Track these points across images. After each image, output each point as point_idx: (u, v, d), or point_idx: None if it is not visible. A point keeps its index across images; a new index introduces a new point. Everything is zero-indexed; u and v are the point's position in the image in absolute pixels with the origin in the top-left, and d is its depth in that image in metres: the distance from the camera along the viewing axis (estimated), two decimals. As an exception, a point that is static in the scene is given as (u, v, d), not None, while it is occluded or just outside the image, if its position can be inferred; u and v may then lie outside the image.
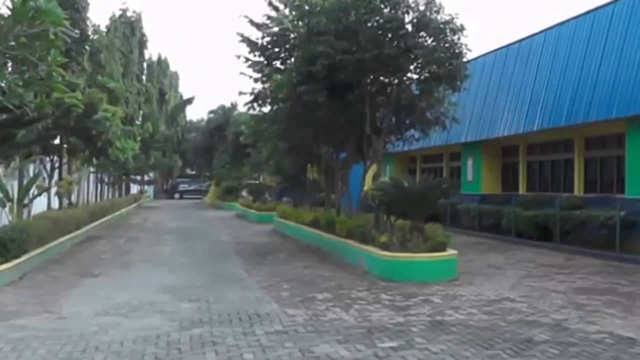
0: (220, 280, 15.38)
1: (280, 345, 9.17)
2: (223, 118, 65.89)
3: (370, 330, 10.12)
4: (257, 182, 53.71)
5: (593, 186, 24.75)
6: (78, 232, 24.61)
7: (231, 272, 17.04)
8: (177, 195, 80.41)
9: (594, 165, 24.92)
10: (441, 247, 16.09)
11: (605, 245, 20.15)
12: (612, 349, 9.14)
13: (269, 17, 23.26)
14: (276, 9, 23.52)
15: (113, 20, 57.64)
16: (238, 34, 23.32)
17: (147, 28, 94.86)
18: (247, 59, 23.54)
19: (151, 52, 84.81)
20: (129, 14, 61.78)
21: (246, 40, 23.30)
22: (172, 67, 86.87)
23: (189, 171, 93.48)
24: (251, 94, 24.34)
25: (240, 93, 24.28)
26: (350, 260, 18.29)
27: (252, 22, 23.54)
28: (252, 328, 10.23)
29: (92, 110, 24.41)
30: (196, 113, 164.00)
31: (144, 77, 68.86)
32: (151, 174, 77.41)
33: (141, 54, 65.20)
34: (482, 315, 11.33)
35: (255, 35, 23.78)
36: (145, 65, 69.93)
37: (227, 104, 68.75)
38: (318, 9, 20.17)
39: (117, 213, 39.84)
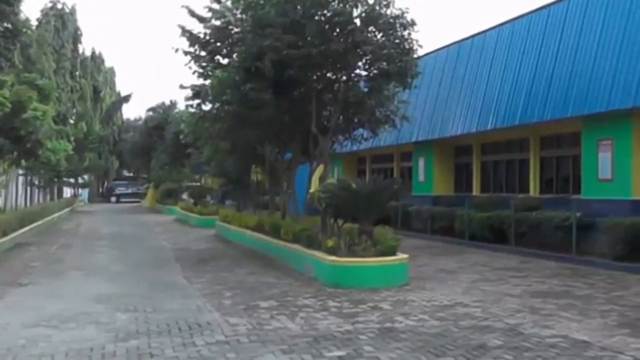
0: (159, 289, 15.26)
1: (222, 356, 9.13)
2: (162, 116, 65.23)
3: (316, 339, 10.11)
4: (198, 184, 53.48)
5: (549, 187, 25.10)
6: (5, 238, 24.18)
7: (171, 279, 16.92)
8: (113, 199, 79.74)
9: (550, 165, 25.27)
10: (391, 251, 16.13)
11: (561, 247, 20.46)
12: (567, 352, 9.30)
13: (210, 9, 23.07)
14: (218, 1, 23.37)
15: (44, 12, 56.83)
16: (179, 26, 23.12)
17: (82, 21, 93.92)
18: (187, 53, 23.28)
19: (86, 46, 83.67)
20: (59, 5, 60.95)
21: (187, 33, 23.09)
22: (109, 63, 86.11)
23: (126, 173, 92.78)
24: (192, 90, 24.19)
25: (182, 87, 23.97)
26: (296, 266, 18.27)
27: (193, 13, 23.35)
28: (192, 338, 10.17)
29: (20, 108, 24.06)
30: (134, 111, 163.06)
31: (77, 74, 67.99)
32: (85, 177, 76.46)
33: (75, 49, 64.44)
34: (434, 321, 11.41)
35: (197, 28, 23.60)
36: (79, 60, 69.04)
37: (167, 102, 68.27)
38: (262, 1, 20.10)
39: (49, 218, 39.24)
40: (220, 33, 22.68)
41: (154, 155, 64.94)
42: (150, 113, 71.02)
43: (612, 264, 18.19)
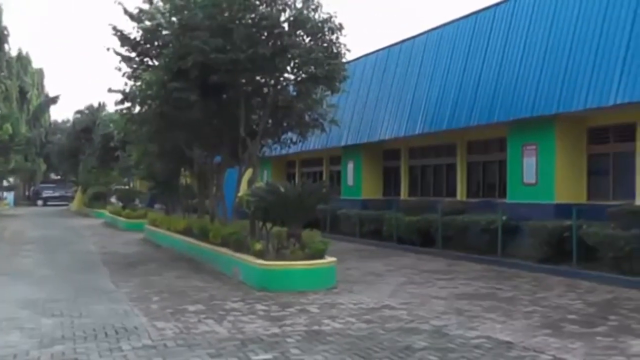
0: (86, 293, 15.01)
1: (149, 361, 9.06)
2: (90, 119, 64.26)
3: (244, 342, 10.07)
4: (126, 187, 52.85)
5: (475, 191, 25.46)
6: None
7: (98, 284, 16.65)
8: (40, 202, 78.27)
9: (477, 170, 25.64)
10: (319, 255, 16.16)
11: (487, 250, 20.74)
12: (490, 353, 9.43)
13: (141, 10, 22.77)
14: (150, 1, 23.10)
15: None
16: (111, 25, 22.74)
17: (9, 22, 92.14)
18: (118, 53, 22.93)
19: (13, 47, 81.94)
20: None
21: (119, 33, 22.71)
22: (38, 64, 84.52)
23: (53, 176, 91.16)
24: (122, 92, 23.86)
25: (110, 90, 23.52)
26: (225, 269, 18.19)
27: (126, 11, 22.96)
28: (119, 343, 10.03)
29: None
30: (62, 113, 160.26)
31: (2, 74, 66.56)
32: (11, 180, 75.03)
33: (1, 49, 63.12)
34: (361, 324, 11.46)
35: (128, 29, 23.23)
36: (4, 61, 67.62)
37: (95, 104, 67.28)
38: (192, 4, 19.96)
39: (-29, 222, 38.36)
40: (150, 35, 22.43)
41: (82, 158, 63.88)
42: (78, 115, 69.90)
43: (536, 266, 18.50)
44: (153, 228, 30.71)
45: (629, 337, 10.46)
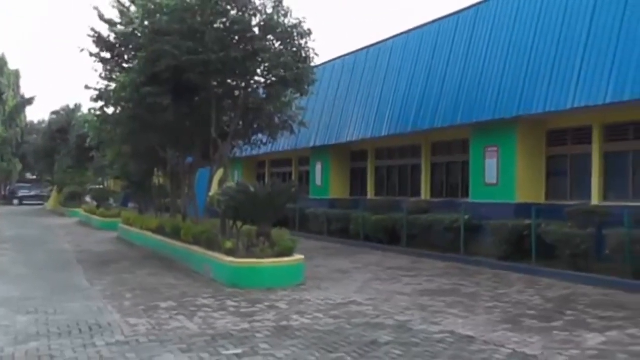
0: (61, 291, 14.84)
1: (122, 357, 8.94)
2: (66, 120, 63.72)
3: (214, 337, 10.03)
4: (101, 187, 52.46)
5: (439, 191, 25.57)
6: None
7: (73, 282, 16.47)
8: (16, 201, 77.33)
9: (440, 170, 25.76)
10: (288, 252, 16.16)
11: (451, 248, 20.84)
12: (453, 347, 9.47)
13: (118, 15, 22.56)
14: (125, 7, 22.91)
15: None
16: (90, 28, 22.48)
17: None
18: (92, 54, 22.69)
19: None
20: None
21: (96, 35, 22.48)
22: (13, 65, 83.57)
23: (29, 176, 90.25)
24: (98, 92, 23.61)
25: (87, 87, 23.29)
26: (196, 267, 18.10)
27: (102, 17, 22.76)
28: (93, 339, 9.93)
29: None
30: (38, 114, 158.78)
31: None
32: (-13, 180, 74.23)
33: (-22, 51, 62.51)
34: (328, 319, 11.47)
35: (105, 31, 23.00)
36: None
37: (71, 105, 66.71)
38: (164, 8, 19.85)
39: (-53, 221, 37.84)
40: (126, 38, 22.24)
41: (57, 158, 63.31)
42: (54, 116, 69.31)
43: (497, 264, 18.61)
44: (127, 227, 30.47)
45: (584, 331, 10.56)
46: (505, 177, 20.79)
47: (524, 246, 18.23)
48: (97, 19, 22.76)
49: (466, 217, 20.54)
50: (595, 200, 18.78)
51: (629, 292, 14.29)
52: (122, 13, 22.37)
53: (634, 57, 16.33)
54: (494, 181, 21.17)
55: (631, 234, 14.97)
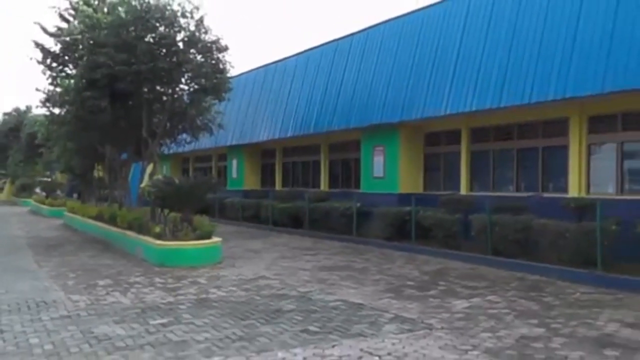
0: (11, 272, 14.33)
1: (64, 329, 8.74)
2: (17, 120, 61.62)
3: (144, 310, 9.92)
4: (49, 179, 51.04)
5: (336, 183, 25.80)
6: None
7: (22, 264, 15.92)
8: (-30, 194, 74.53)
9: (337, 166, 25.98)
10: (207, 236, 16.11)
11: (345, 231, 20.95)
12: (345, 313, 9.61)
13: (59, 28, 21.99)
14: (67, 21, 22.36)
15: None
16: (33, 41, 21.84)
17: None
18: (40, 63, 22.08)
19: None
20: None
21: (40, 46, 21.90)
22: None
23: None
24: (45, 94, 22.97)
25: (37, 89, 22.80)
26: (130, 249, 17.82)
27: (45, 30, 22.14)
28: (39, 315, 9.66)
29: None
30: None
31: None
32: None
33: None
34: (241, 292, 11.47)
35: (49, 43, 22.39)
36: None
37: (22, 107, 64.54)
38: (102, 24, 19.49)
39: None
40: (68, 49, 21.68)
41: (10, 154, 61.27)
42: (6, 117, 66.95)
43: (383, 243, 18.84)
44: (71, 215, 29.71)
45: (454, 298, 10.85)
46: (390, 172, 21.12)
47: (406, 229, 18.49)
48: (41, 31, 22.23)
49: (358, 205, 20.70)
50: (463, 190, 19.27)
51: (490, 266, 14.70)
52: (60, 29, 21.83)
53: (494, 72, 16.82)
54: (381, 175, 21.48)
55: (491, 219, 15.40)
